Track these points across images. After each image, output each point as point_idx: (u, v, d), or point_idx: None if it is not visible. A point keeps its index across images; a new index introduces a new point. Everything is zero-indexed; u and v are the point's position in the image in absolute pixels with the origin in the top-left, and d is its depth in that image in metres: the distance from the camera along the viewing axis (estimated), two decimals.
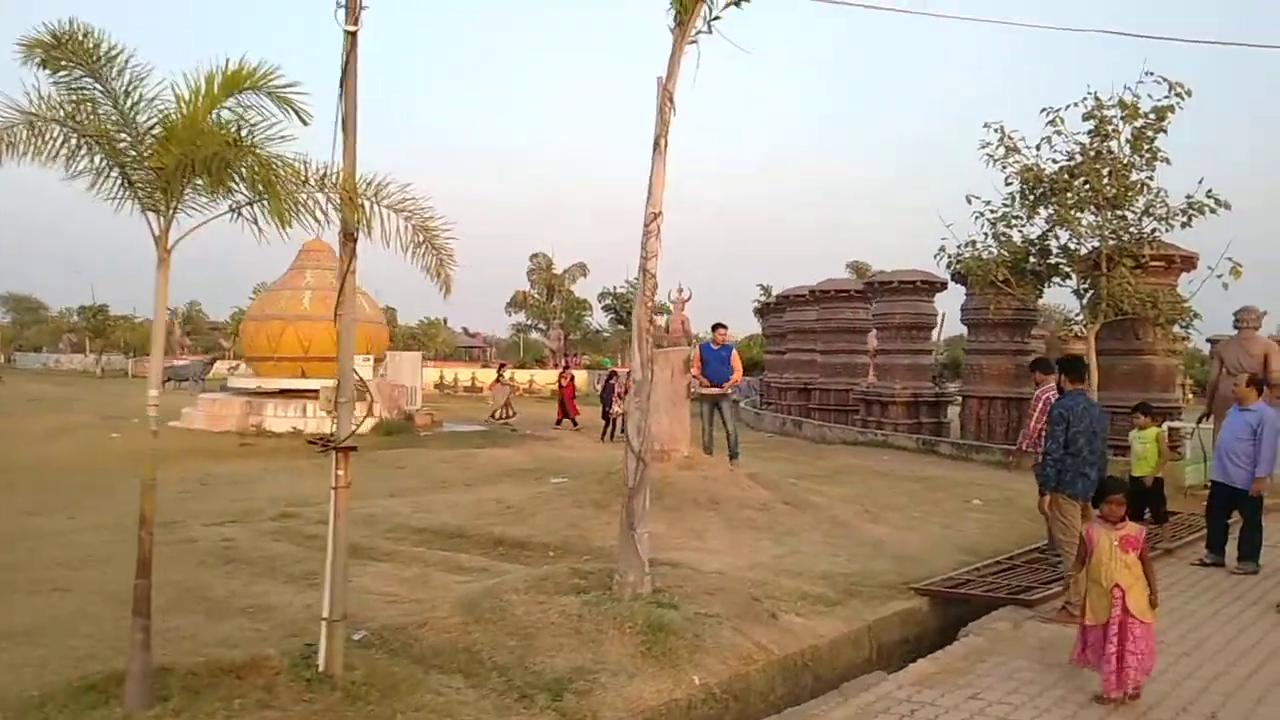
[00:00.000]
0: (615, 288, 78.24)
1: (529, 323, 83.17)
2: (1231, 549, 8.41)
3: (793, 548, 8.41)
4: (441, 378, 42.62)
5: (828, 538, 8.84)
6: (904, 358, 19.72)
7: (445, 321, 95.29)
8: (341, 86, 4.67)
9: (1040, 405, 8.53)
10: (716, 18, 6.40)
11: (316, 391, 20.06)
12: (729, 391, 12.38)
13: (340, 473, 4.86)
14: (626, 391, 20.74)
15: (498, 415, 24.14)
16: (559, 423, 23.56)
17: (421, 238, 4.75)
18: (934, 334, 21.06)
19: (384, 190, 4.61)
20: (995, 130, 13.61)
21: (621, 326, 78.66)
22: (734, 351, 12.40)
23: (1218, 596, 7.33)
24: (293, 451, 17.82)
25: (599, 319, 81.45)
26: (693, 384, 10.97)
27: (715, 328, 12.72)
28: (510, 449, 17.78)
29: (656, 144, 6.39)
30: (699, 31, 6.41)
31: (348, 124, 4.70)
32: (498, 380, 26.43)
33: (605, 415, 20.94)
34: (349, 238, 4.73)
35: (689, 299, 46.20)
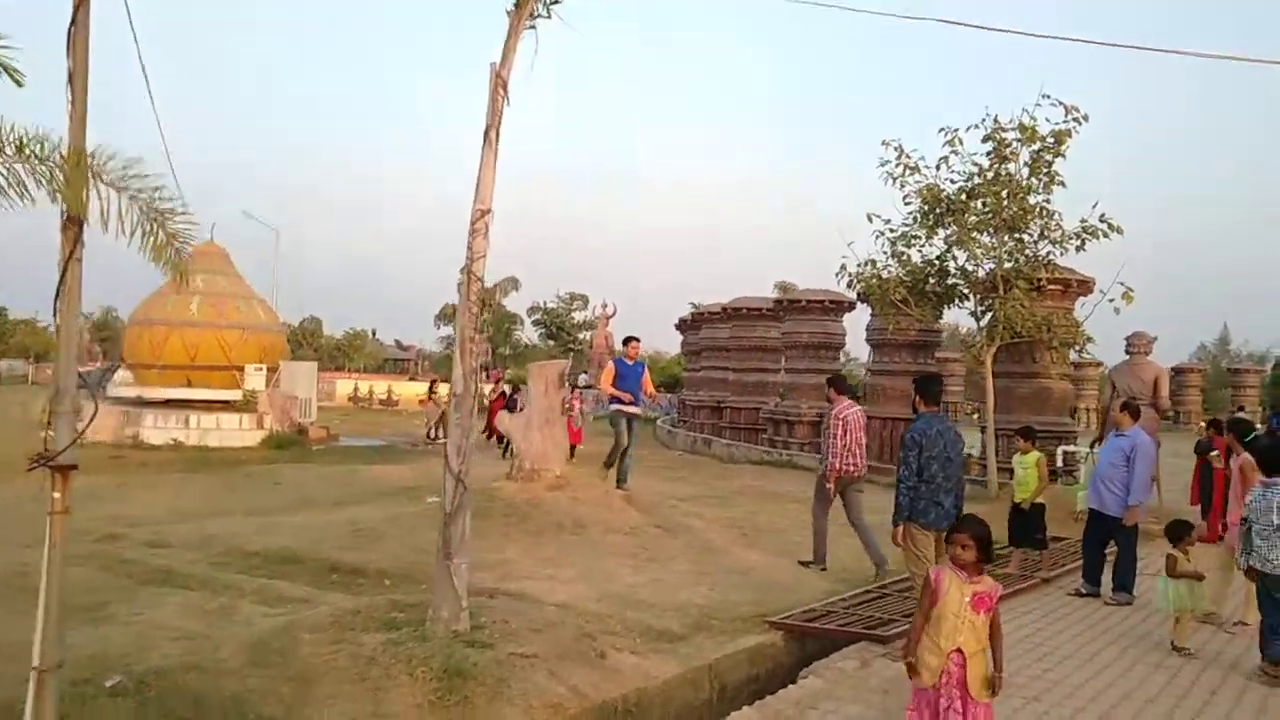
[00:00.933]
0: (545, 302, 77.64)
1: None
2: (1109, 579, 8.16)
3: (654, 575, 7.87)
4: (356, 390, 41.27)
5: (695, 565, 8.33)
6: (811, 377, 19.46)
7: (374, 333, 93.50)
8: (69, 36, 3.98)
9: (840, 426, 8.66)
10: (555, 1, 5.90)
11: (203, 402, 18.95)
12: (640, 411, 11.58)
13: (57, 495, 4.11)
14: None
15: (431, 435, 22.41)
16: (489, 438, 21.92)
17: (151, 223, 4.07)
18: (841, 354, 20.87)
19: (106, 166, 3.93)
20: (894, 148, 13.43)
21: (552, 341, 78.11)
22: (646, 369, 11.44)
23: (1085, 630, 7.00)
24: (163, 465, 16.74)
25: (529, 333, 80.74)
26: (599, 401, 10.06)
27: (628, 341, 11.52)
28: (403, 466, 16.96)
29: (486, 135, 5.85)
30: (537, 15, 5.90)
31: (75, 82, 4.01)
32: (430, 397, 23.90)
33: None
34: (71, 220, 4.03)
35: (613, 315, 45.88)
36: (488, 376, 29.23)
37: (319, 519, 10.07)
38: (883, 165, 13.53)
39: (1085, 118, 13.44)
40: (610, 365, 11.14)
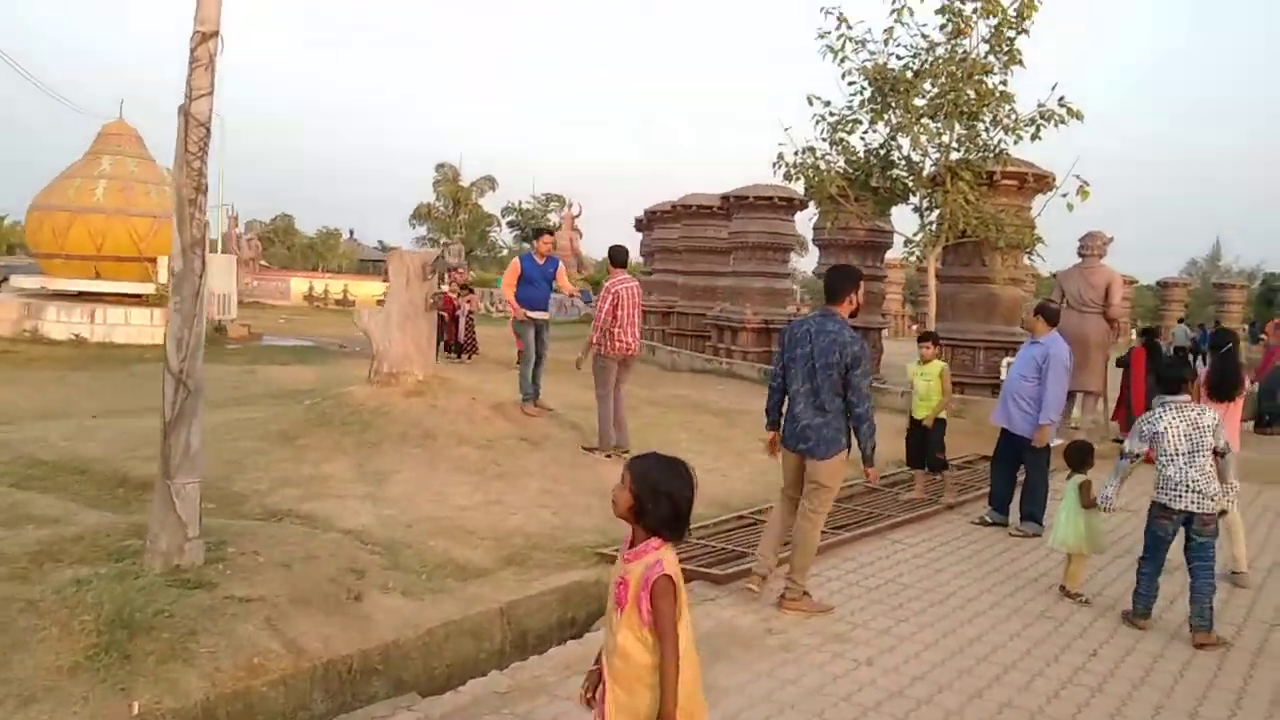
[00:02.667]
0: (520, 203, 75.38)
1: (431, 236, 79.64)
2: (1017, 506, 7.20)
3: (494, 496, 6.83)
4: (310, 289, 39.85)
5: (552, 483, 7.30)
6: (758, 280, 18.25)
7: (350, 233, 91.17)
8: None
9: (609, 299, 8.18)
10: None
11: (112, 295, 17.55)
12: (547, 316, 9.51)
13: None
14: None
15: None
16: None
17: None
18: (792, 255, 19.58)
19: None
20: (834, 15, 11.90)
21: (526, 245, 76.25)
22: (560, 265, 9.61)
23: (974, 568, 6.05)
24: (51, 361, 15.57)
25: (505, 236, 78.68)
26: (502, 306, 8.54)
27: (538, 234, 9.79)
28: (312, 368, 15.83)
29: None
30: None
31: None
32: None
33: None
34: None
35: (578, 215, 44.22)
36: (449, 279, 27.07)
37: (151, 424, 8.95)
38: (821, 37, 12.04)
39: None
40: (514, 263, 9.55)
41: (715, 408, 12.51)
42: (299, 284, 40.12)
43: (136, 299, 19.44)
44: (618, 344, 8.17)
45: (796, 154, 12.82)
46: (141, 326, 18.84)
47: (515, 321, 9.26)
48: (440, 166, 73.76)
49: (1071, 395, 11.62)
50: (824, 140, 12.71)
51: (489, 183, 73.96)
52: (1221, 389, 6.25)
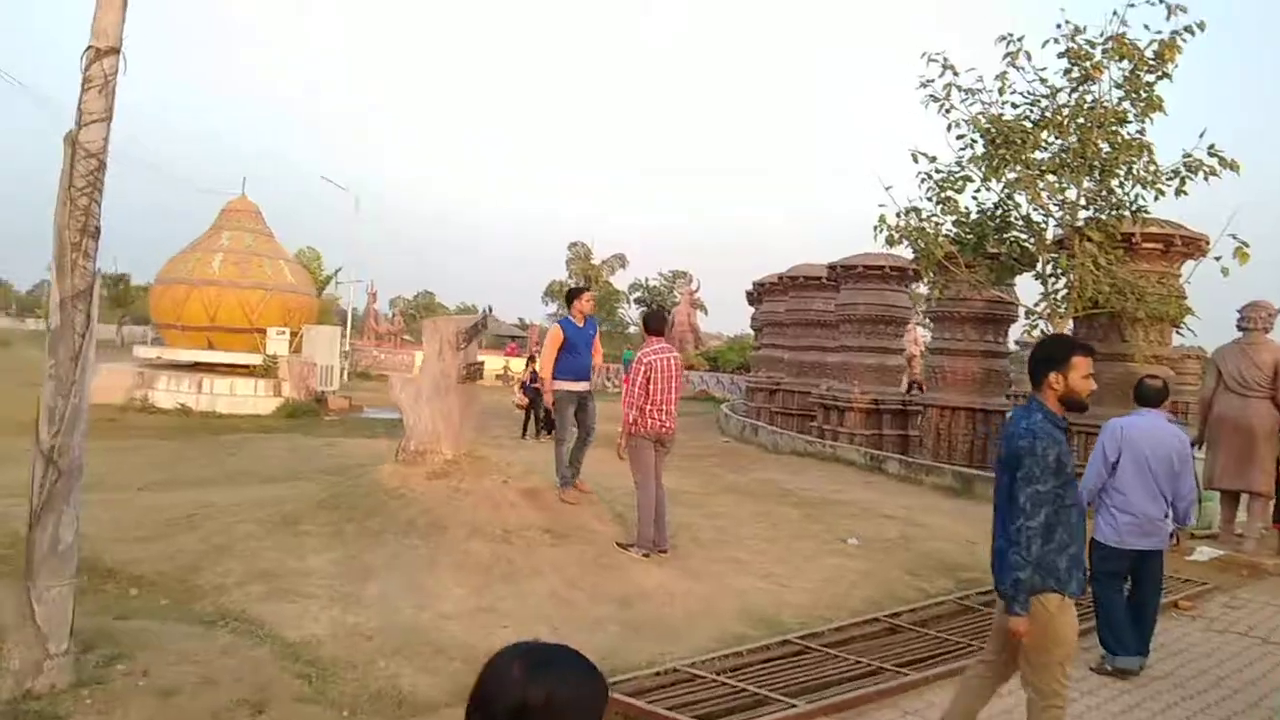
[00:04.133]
0: (648, 279, 75.86)
1: (564, 313, 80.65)
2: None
3: (491, 602, 5.79)
4: None
5: (566, 587, 6.20)
6: (868, 356, 16.77)
7: (490, 309, 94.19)
8: None
9: (641, 371, 7.20)
10: None
11: (222, 366, 17.90)
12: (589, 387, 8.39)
13: None
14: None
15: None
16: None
17: None
18: (907, 329, 17.99)
19: None
20: (937, 62, 10.69)
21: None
22: (598, 329, 8.68)
23: None
24: (147, 430, 15.76)
25: (631, 312, 79.16)
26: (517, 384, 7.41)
27: (577, 294, 8.61)
28: (397, 440, 15.39)
29: None
30: None
31: None
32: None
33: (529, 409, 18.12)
34: None
35: (697, 290, 43.50)
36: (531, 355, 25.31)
37: (186, 498, 8.45)
38: (923, 85, 10.82)
39: (1200, 25, 10.36)
40: (555, 330, 8.56)
41: (803, 497, 11.12)
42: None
43: (245, 369, 19.81)
44: (650, 422, 7.07)
45: (899, 215, 11.52)
46: (245, 397, 19.10)
47: (557, 399, 8.25)
48: (573, 245, 75.56)
49: (1234, 496, 9.65)
50: (930, 200, 11.37)
51: (619, 260, 75.09)
52: None
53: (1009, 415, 3.67)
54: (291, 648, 4.72)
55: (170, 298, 20.14)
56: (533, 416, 17.74)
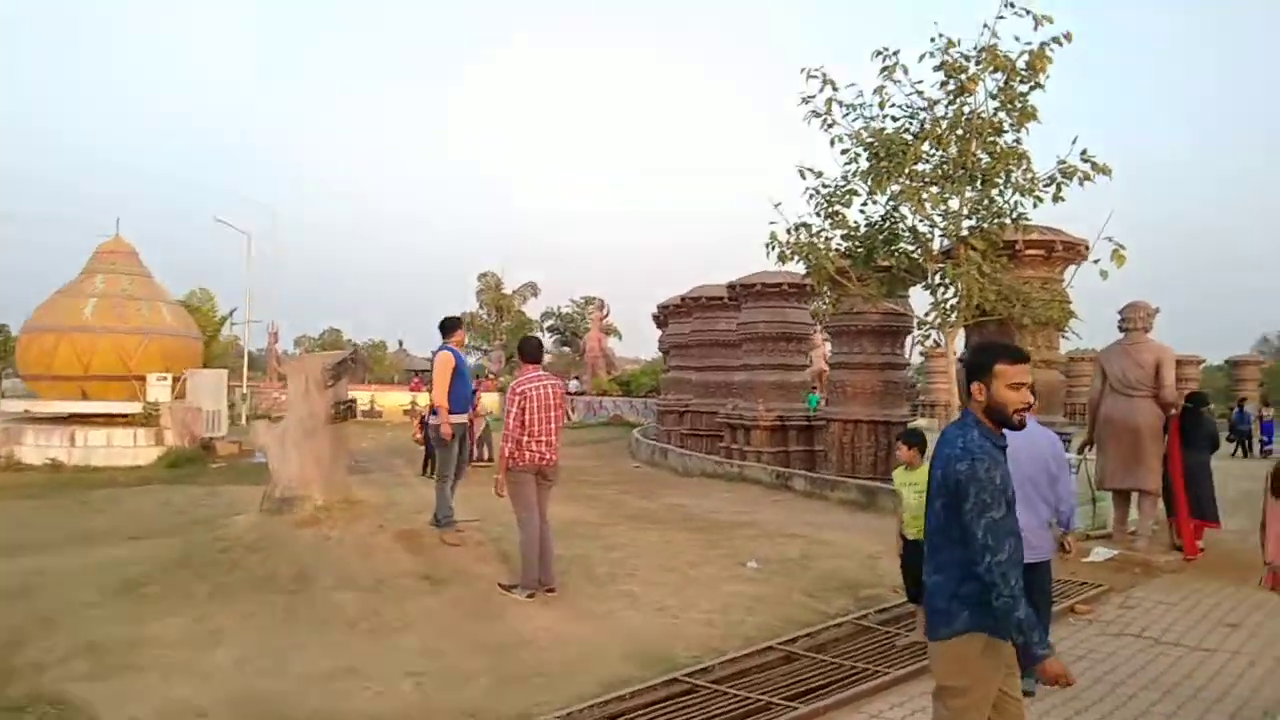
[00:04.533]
0: (560, 308, 75.54)
1: (474, 344, 79.89)
2: None
3: (352, 661, 5.28)
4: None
5: (438, 638, 5.73)
6: (771, 374, 16.71)
7: (400, 344, 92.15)
8: None
9: (515, 400, 6.75)
10: None
11: (98, 416, 16.63)
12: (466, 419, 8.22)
13: None
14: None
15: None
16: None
17: None
18: (814, 344, 18.04)
19: None
20: (817, 77, 10.68)
21: (566, 348, 75.67)
22: (439, 355, 8.16)
23: None
24: (15, 489, 14.55)
25: (546, 341, 78.56)
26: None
27: (454, 325, 8.25)
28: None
29: None
30: None
31: None
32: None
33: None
34: None
35: (607, 315, 43.28)
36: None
37: (24, 564, 7.61)
38: (805, 101, 10.80)
39: (1068, 36, 10.60)
40: (446, 357, 8.18)
41: (707, 520, 10.87)
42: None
43: (123, 419, 18.60)
44: (529, 455, 6.67)
45: (789, 232, 11.43)
46: (123, 448, 17.90)
47: (438, 433, 7.82)
48: (483, 275, 74.66)
49: (1125, 495, 9.78)
50: (818, 215, 11.32)
51: (530, 289, 74.44)
52: None
53: (943, 432, 3.20)
54: None
55: (39, 347, 18.78)
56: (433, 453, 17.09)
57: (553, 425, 6.74)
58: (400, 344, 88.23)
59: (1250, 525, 11.66)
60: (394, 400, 38.48)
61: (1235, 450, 23.29)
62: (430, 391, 8.12)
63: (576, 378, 40.58)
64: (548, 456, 6.71)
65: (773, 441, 16.18)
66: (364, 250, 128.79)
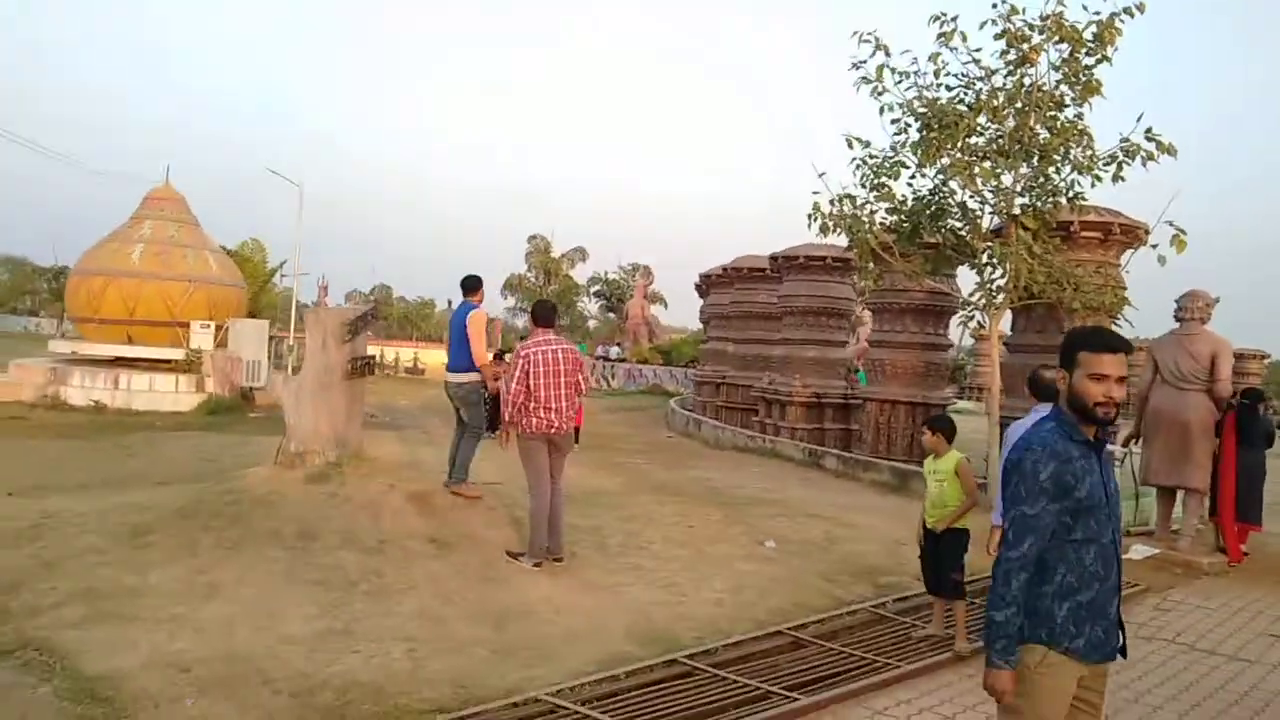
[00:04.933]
0: (607, 273, 75.26)
1: (522, 306, 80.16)
2: None
3: (346, 623, 5.19)
4: (381, 355, 39.58)
5: (439, 603, 5.62)
6: (810, 349, 16.33)
7: (450, 303, 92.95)
8: None
9: (519, 364, 6.55)
10: None
11: (143, 360, 16.93)
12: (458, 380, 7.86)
13: None
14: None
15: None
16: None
17: None
18: (852, 322, 17.58)
19: None
20: (870, 41, 10.21)
21: (611, 314, 75.45)
22: (469, 315, 7.85)
23: None
24: (59, 429, 14.88)
25: (591, 306, 78.39)
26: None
27: (477, 284, 8.11)
28: None
29: None
30: None
31: None
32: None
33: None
34: None
35: (651, 283, 42.92)
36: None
37: (44, 506, 7.68)
38: (855, 67, 10.35)
39: (1140, 7, 9.97)
40: (482, 314, 7.92)
41: (732, 496, 10.64)
42: (374, 351, 39.98)
43: (166, 365, 18.91)
44: (537, 421, 6.49)
45: (832, 203, 11.04)
46: (165, 393, 18.21)
47: (473, 391, 7.82)
48: (532, 238, 74.71)
49: (1170, 492, 9.32)
50: (864, 187, 10.90)
51: (579, 254, 74.29)
52: None
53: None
54: (88, 684, 4.10)
55: (87, 290, 19.15)
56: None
57: (563, 392, 6.53)
58: (450, 303, 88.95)
59: None
60: (437, 359, 38.72)
61: None
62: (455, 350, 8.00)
63: (618, 344, 40.41)
64: (555, 424, 6.52)
65: (808, 418, 15.86)
66: (416, 211, 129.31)
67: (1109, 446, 11.15)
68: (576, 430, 14.92)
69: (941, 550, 5.56)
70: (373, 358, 8.01)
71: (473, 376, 7.89)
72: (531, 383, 6.39)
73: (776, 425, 16.21)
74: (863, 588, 6.96)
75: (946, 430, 5.68)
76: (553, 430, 6.51)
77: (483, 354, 7.85)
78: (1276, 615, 6.98)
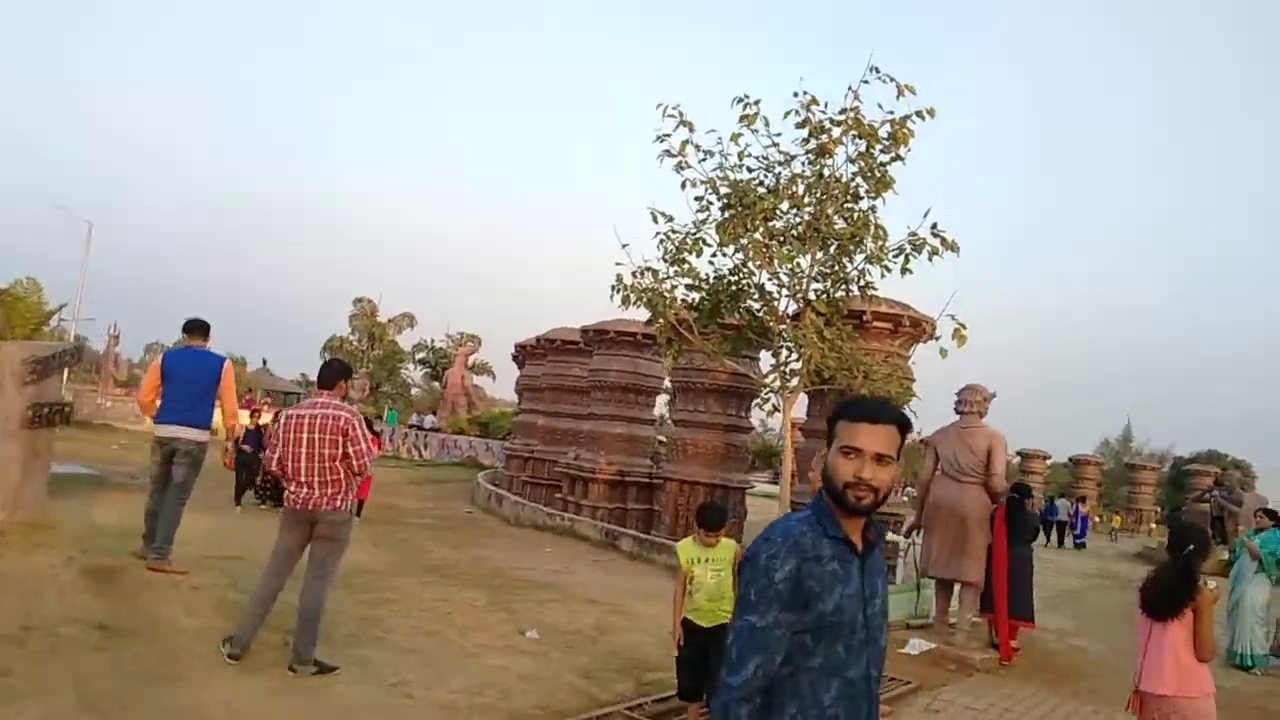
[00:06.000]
0: (433, 340, 73.16)
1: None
2: None
3: None
4: None
5: (83, 710, 4.47)
6: (617, 426, 15.89)
7: (264, 363, 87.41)
8: None
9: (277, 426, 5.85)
10: None
11: None
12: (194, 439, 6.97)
13: None
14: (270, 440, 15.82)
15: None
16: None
17: None
18: (658, 400, 17.35)
19: None
20: (674, 116, 10.08)
21: (436, 383, 73.16)
22: (226, 365, 7.15)
23: None
24: None
25: (415, 374, 75.85)
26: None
27: (191, 329, 7.26)
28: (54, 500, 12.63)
29: None
30: None
31: None
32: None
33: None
34: None
35: (474, 351, 41.81)
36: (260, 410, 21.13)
37: None
38: (660, 139, 10.17)
39: (931, 111, 10.36)
40: (156, 361, 7.14)
41: (510, 579, 9.82)
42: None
43: None
44: (287, 494, 5.60)
45: (634, 275, 10.71)
46: None
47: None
48: (359, 300, 72.06)
49: (948, 585, 9.30)
50: (665, 261, 10.64)
51: (407, 319, 72.20)
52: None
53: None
54: None
55: None
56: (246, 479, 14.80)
57: (315, 465, 5.57)
58: (264, 362, 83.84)
59: (1071, 626, 11.45)
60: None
61: (1047, 541, 24.53)
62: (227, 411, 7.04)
63: (433, 412, 38.83)
64: (304, 501, 5.56)
65: (611, 497, 15.30)
66: (234, 264, 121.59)
67: (891, 539, 11.04)
68: (361, 503, 13.67)
69: (713, 649, 4.98)
70: (67, 404, 6.77)
71: (207, 435, 6.92)
72: (280, 451, 5.49)
73: (578, 503, 15.54)
74: (625, 685, 6.30)
75: (715, 524, 5.19)
76: (299, 507, 5.55)
77: (236, 411, 6.90)
78: (1041, 716, 6.85)
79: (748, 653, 2.01)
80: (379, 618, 6.96)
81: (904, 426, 2.11)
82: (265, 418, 22.58)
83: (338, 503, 5.65)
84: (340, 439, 5.61)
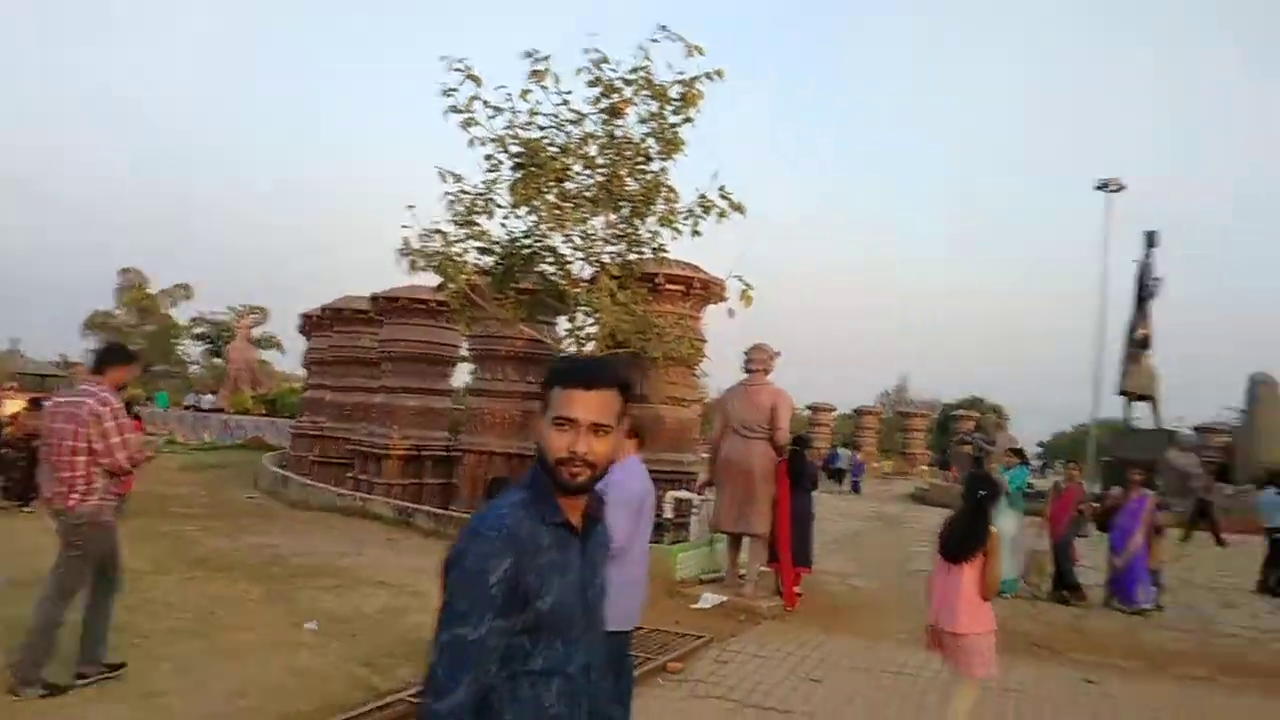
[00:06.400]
0: (211, 312, 67.64)
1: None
2: None
3: None
4: None
5: None
6: (411, 398, 15.27)
7: (15, 342, 77.52)
8: None
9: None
10: None
11: None
12: None
13: None
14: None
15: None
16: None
17: None
18: (454, 369, 16.83)
19: None
20: (460, 70, 9.61)
21: (216, 359, 67.81)
22: None
23: None
24: None
25: (193, 349, 69.98)
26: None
27: None
28: None
29: None
30: None
31: None
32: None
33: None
34: None
35: (256, 325, 39.12)
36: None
37: None
38: (446, 94, 9.68)
39: (719, 72, 10.46)
40: None
41: (291, 567, 9.18)
42: None
43: None
44: (53, 491, 5.11)
45: (422, 238, 10.20)
46: None
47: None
48: (125, 271, 65.62)
49: (737, 538, 9.61)
50: (455, 223, 10.21)
51: (183, 291, 66.54)
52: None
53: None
54: None
55: None
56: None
57: (61, 456, 5.00)
58: (14, 344, 74.51)
59: (852, 568, 12.21)
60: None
61: (833, 486, 26.88)
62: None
63: (214, 392, 36.00)
64: (50, 497, 5.10)
65: (406, 473, 14.72)
66: None
67: (689, 495, 11.21)
68: (121, 497, 12.29)
69: None
70: None
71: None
72: (51, 446, 5.02)
73: (371, 481, 14.84)
74: (410, 669, 5.98)
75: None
76: (49, 501, 5.07)
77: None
78: (821, 659, 7.18)
79: (458, 672, 1.70)
80: (133, 622, 6.23)
81: (625, 388, 1.88)
82: (12, 406, 19.82)
83: (70, 501, 5.01)
84: (83, 429, 5.00)
